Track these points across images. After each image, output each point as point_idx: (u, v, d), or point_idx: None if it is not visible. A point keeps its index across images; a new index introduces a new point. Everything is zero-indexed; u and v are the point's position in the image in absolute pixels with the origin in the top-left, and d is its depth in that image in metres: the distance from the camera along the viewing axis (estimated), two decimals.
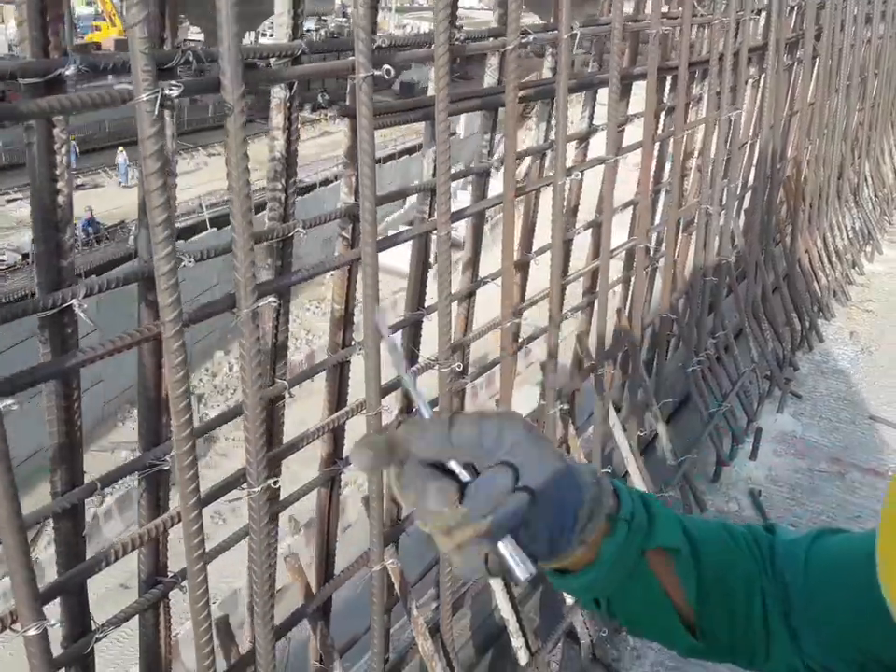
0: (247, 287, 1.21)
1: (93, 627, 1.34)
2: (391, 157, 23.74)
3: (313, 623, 1.60)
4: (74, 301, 1.12)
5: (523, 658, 2.11)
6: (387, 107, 1.68)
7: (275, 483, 1.36)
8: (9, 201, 21.87)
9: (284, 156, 1.45)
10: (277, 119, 1.43)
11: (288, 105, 1.42)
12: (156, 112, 0.99)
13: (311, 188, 20.30)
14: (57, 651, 1.12)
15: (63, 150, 1.08)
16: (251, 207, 1.20)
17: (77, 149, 23.03)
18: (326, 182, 20.92)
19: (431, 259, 2.07)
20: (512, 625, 2.12)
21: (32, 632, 0.97)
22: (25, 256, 19.85)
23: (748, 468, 3.65)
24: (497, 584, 2.12)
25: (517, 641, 2.10)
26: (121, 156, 22.61)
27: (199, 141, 24.24)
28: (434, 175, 1.91)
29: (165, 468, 1.36)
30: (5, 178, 20.92)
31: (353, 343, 1.82)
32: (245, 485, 1.29)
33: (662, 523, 0.94)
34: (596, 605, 0.96)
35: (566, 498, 0.83)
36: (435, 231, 1.69)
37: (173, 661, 1.53)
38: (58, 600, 1.26)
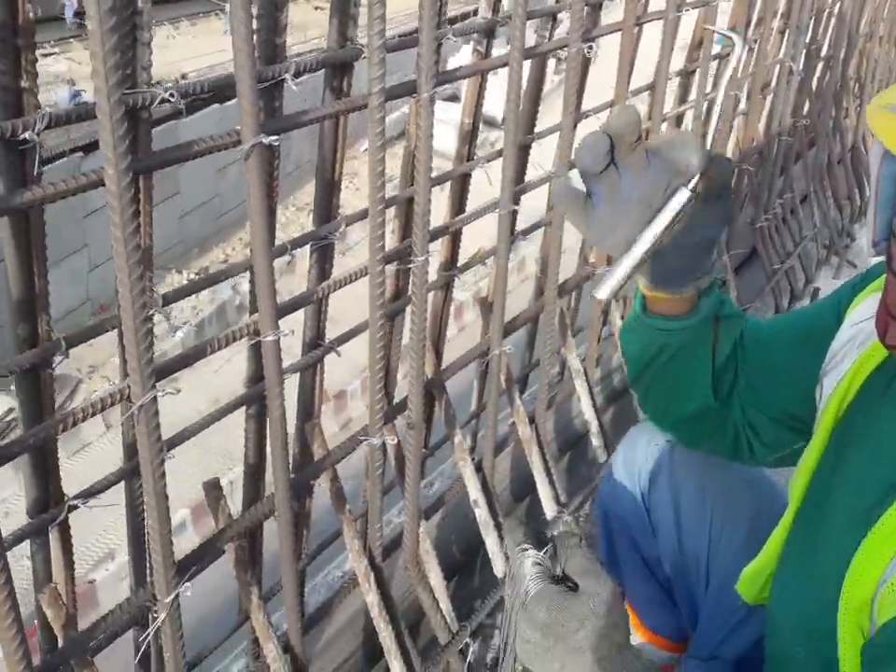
0: (429, 72, 1.37)
1: None
2: None
3: (439, 392, 1.84)
4: (287, 76, 1.29)
5: (601, 457, 2.36)
6: None
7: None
8: (44, 55, 21.45)
9: None
10: None
11: None
12: None
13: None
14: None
15: None
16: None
17: None
18: None
19: None
20: (594, 428, 2.36)
21: (269, 338, 1.19)
22: None
23: None
24: (583, 389, 2.35)
25: (597, 441, 2.35)
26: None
27: (160, 16, 22.90)
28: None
29: (334, 240, 1.56)
30: (38, 31, 20.42)
31: (475, 157, 1.98)
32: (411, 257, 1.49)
33: (726, 296, 1.20)
34: (643, 368, 1.18)
35: (721, 223, 1.05)
36: (566, 48, 1.83)
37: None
38: None
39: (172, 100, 1.11)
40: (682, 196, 0.92)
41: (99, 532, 11.64)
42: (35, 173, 1.03)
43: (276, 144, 1.11)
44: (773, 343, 1.21)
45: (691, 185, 0.92)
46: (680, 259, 1.02)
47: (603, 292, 0.95)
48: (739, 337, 1.21)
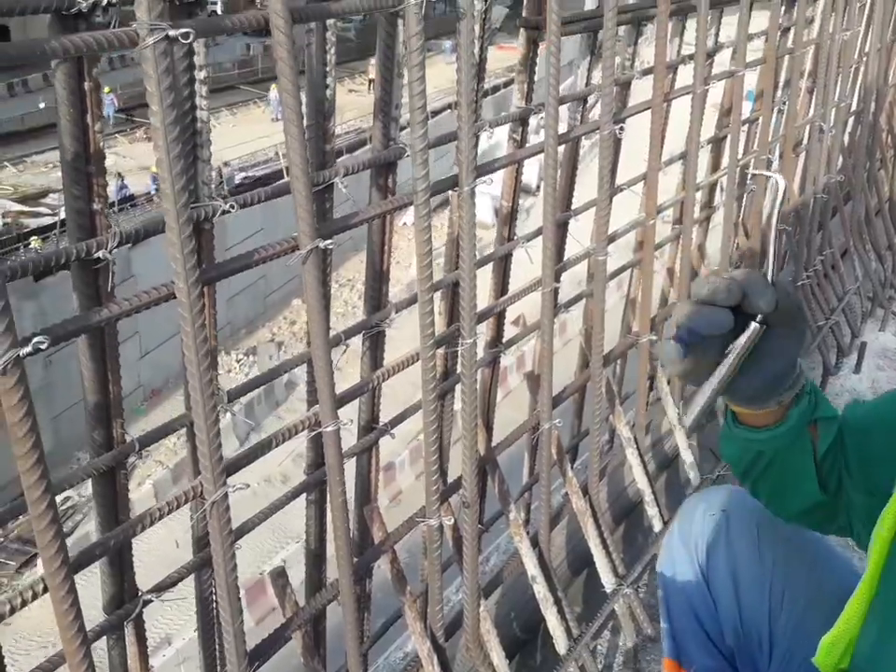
0: (469, 167, 1.44)
1: None
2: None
3: (491, 468, 1.87)
4: (336, 180, 1.37)
5: (657, 525, 2.35)
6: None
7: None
8: None
9: (477, 62, 1.67)
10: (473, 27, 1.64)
11: (483, 15, 1.63)
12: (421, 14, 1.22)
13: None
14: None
15: (332, 51, 1.32)
16: (476, 98, 1.43)
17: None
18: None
19: None
20: (648, 496, 2.36)
21: (330, 428, 1.24)
22: (111, 204, 20.54)
23: (852, 380, 3.79)
24: (634, 458, 2.36)
25: (652, 509, 2.35)
26: (273, 92, 22.68)
27: (215, 104, 23.84)
28: (586, 83, 2.12)
29: (385, 328, 1.62)
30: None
31: (515, 237, 2.05)
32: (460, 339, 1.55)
33: (821, 398, 1.21)
34: (746, 471, 1.19)
35: (793, 353, 1.09)
36: (597, 131, 1.90)
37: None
38: None
39: (232, 211, 1.19)
40: (751, 330, 1.05)
41: (156, 617, 11.65)
42: (108, 288, 1.11)
43: (331, 247, 1.17)
44: (875, 423, 1.21)
45: (758, 318, 1.05)
46: (758, 387, 1.09)
47: (687, 421, 1.13)
48: (839, 429, 1.23)
